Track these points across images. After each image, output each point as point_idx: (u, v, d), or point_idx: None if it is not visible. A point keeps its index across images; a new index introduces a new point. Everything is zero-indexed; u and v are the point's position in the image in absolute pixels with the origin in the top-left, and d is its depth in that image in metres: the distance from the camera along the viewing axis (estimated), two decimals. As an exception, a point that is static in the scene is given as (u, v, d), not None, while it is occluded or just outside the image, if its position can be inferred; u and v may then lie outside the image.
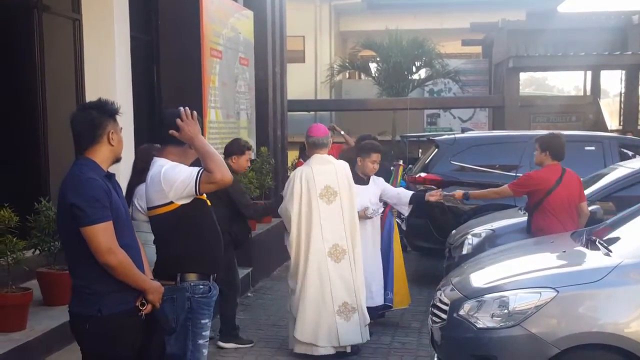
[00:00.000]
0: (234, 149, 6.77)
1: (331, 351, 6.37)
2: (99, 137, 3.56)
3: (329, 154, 6.60)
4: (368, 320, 6.49)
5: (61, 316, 5.41)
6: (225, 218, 6.25)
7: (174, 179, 3.92)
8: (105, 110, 3.60)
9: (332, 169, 6.36)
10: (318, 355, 6.36)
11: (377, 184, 7.19)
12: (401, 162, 7.69)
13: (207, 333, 4.16)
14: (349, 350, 6.44)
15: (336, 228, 6.32)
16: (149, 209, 4.08)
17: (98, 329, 3.51)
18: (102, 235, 3.40)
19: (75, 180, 3.47)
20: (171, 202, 3.94)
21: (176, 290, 3.95)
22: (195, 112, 3.98)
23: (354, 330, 6.34)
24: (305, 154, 6.92)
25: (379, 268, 7.20)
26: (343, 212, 6.34)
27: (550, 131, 7.49)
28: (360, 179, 7.02)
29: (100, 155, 3.57)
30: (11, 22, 7.29)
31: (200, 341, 4.12)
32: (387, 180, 7.59)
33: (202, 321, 4.10)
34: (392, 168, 8.02)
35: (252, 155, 6.80)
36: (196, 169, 3.95)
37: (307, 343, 6.34)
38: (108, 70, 7.61)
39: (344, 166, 6.47)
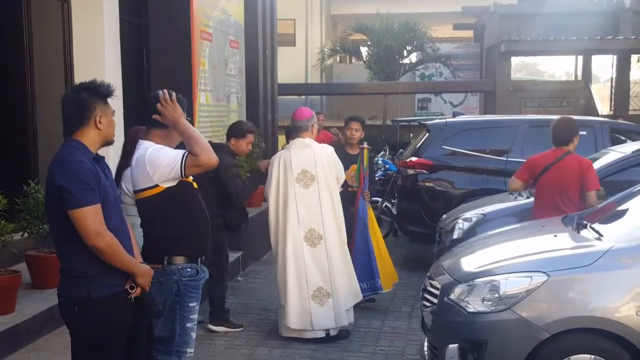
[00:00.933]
0: (234, 131, 6.73)
1: (320, 334, 6.38)
2: (87, 120, 3.52)
3: (319, 140, 6.58)
4: (345, 306, 6.45)
5: (50, 299, 5.40)
6: (219, 201, 6.23)
7: (158, 161, 3.92)
8: (96, 92, 3.56)
9: (311, 153, 6.34)
10: (307, 338, 6.38)
11: None
12: (365, 144, 7.61)
13: (195, 316, 4.16)
14: (332, 333, 6.44)
15: (312, 213, 6.31)
16: (135, 192, 4.08)
17: (87, 312, 3.49)
18: (90, 218, 3.38)
19: (63, 163, 3.44)
20: (157, 185, 3.95)
21: (163, 273, 3.95)
22: (174, 94, 3.94)
23: (327, 315, 6.35)
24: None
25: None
26: (320, 197, 6.31)
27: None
28: None
29: (89, 137, 3.54)
30: (-1, 4, 7.22)
31: (189, 324, 4.11)
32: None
33: (190, 304, 4.10)
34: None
35: (252, 139, 6.76)
36: (181, 151, 3.94)
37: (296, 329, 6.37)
38: (97, 53, 7.55)
39: (325, 151, 6.43)
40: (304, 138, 6.40)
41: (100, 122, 3.54)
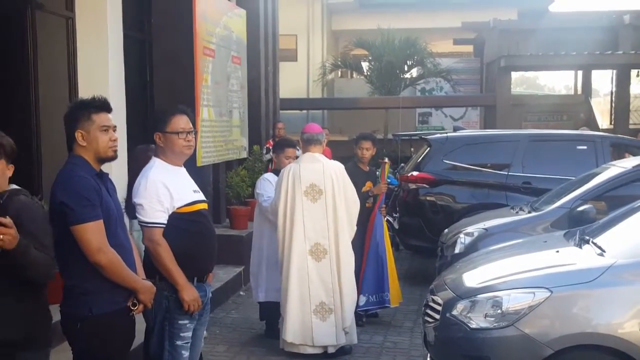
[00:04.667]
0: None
1: (319, 350, 6.34)
2: (72, 137, 3.51)
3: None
4: (347, 322, 6.40)
5: (53, 315, 5.34)
6: None
7: (137, 201, 4.05)
8: (79, 107, 3.53)
9: (320, 167, 6.33)
10: (307, 354, 6.33)
11: None
12: (386, 159, 7.64)
13: (186, 334, 4.13)
14: (330, 350, 6.38)
15: (319, 227, 6.28)
16: None
17: (89, 328, 3.47)
18: (92, 234, 3.36)
19: (65, 179, 3.43)
20: None
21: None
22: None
23: (328, 332, 6.30)
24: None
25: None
26: (327, 211, 6.29)
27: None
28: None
29: (85, 154, 3.52)
30: (4, 21, 7.21)
31: (178, 342, 4.08)
32: (375, 181, 7.57)
33: (180, 322, 4.08)
34: (377, 171, 7.96)
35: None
36: (155, 215, 4.03)
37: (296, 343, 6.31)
38: (101, 68, 7.54)
39: (334, 166, 6.43)
40: (314, 153, 6.40)
41: (82, 139, 3.51)
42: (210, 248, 4.31)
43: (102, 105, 3.57)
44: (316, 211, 6.28)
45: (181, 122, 4.15)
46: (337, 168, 6.44)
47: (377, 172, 7.80)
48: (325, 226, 6.29)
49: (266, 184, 6.85)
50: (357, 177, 6.93)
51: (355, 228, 6.51)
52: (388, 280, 7.41)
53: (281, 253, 6.39)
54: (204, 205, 4.27)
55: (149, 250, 4.04)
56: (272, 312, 6.80)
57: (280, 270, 6.42)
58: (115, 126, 3.62)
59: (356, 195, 6.53)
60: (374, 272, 7.36)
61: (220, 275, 8.50)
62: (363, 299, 7.28)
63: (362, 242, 7.20)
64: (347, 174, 6.51)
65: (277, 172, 6.79)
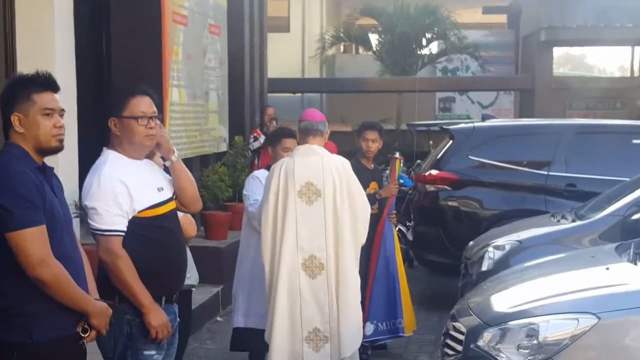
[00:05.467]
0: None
1: None
2: (9, 121, 3.50)
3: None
4: (346, 354, 6.39)
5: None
6: None
7: (89, 204, 4.08)
8: (16, 85, 3.52)
9: (318, 162, 6.23)
10: None
11: None
12: (397, 154, 7.63)
13: None
14: None
15: (315, 235, 6.21)
16: None
17: (28, 359, 3.46)
18: (33, 242, 3.35)
19: (1, 174, 3.42)
20: None
21: (113, 312, 3.91)
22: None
23: None
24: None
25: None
26: (326, 216, 6.21)
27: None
28: None
29: (24, 142, 3.51)
30: None
31: None
32: (380, 181, 7.57)
33: (146, 352, 4.09)
34: (386, 169, 7.96)
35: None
36: (112, 221, 4.04)
37: None
38: (45, 38, 7.53)
39: (337, 161, 6.35)
40: (312, 144, 6.32)
41: (18, 124, 3.49)
42: (179, 260, 4.31)
43: (46, 83, 3.56)
44: (312, 216, 6.22)
45: (142, 104, 4.15)
46: (341, 163, 6.34)
47: (386, 171, 7.80)
48: (323, 235, 6.23)
49: (255, 184, 6.81)
50: (360, 176, 6.85)
51: (364, 239, 6.44)
52: (401, 303, 7.42)
53: (268, 267, 6.36)
54: (172, 205, 4.28)
55: (106, 264, 4.04)
56: (252, 342, 6.79)
57: (267, 289, 6.40)
58: (62, 109, 3.60)
59: (365, 198, 6.46)
60: (384, 294, 7.36)
61: (194, 297, 8.49)
62: (370, 328, 7.29)
63: (367, 257, 7.19)
64: None
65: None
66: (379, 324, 7.35)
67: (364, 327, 6.95)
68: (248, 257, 6.88)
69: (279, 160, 6.71)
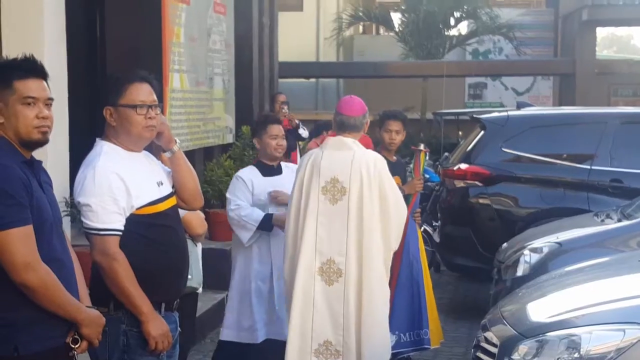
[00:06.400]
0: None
1: None
2: None
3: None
4: None
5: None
6: None
7: (82, 200, 4.07)
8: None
9: (349, 157, 6.20)
10: None
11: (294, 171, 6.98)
12: (422, 146, 7.60)
13: None
14: None
15: (335, 238, 6.19)
16: None
17: (14, 373, 3.47)
18: (18, 244, 3.36)
19: (-16, 169, 3.43)
20: None
21: (108, 320, 3.92)
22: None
23: None
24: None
25: None
26: (349, 217, 6.20)
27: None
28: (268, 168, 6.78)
29: (8, 133, 3.52)
30: None
31: None
32: (404, 175, 7.56)
33: None
34: (410, 163, 7.95)
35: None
36: (109, 219, 4.03)
37: None
38: (34, 17, 7.56)
39: (369, 157, 6.29)
40: (346, 137, 6.28)
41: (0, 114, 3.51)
42: (182, 263, 4.32)
43: (31, 69, 3.56)
44: (335, 216, 6.21)
45: (141, 92, 4.15)
46: (374, 160, 6.27)
47: (410, 165, 7.79)
48: (344, 238, 6.21)
49: (239, 185, 6.67)
50: None
51: (396, 245, 6.40)
52: (427, 312, 7.40)
53: (286, 269, 6.36)
54: (173, 202, 4.28)
55: (101, 267, 4.05)
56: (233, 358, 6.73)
57: (285, 291, 6.40)
58: (49, 98, 3.60)
59: (402, 200, 6.39)
60: (408, 303, 7.32)
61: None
62: (393, 339, 7.26)
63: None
64: None
65: (262, 166, 6.69)
66: (402, 334, 7.33)
67: None
68: (235, 265, 6.84)
69: (268, 148, 6.66)
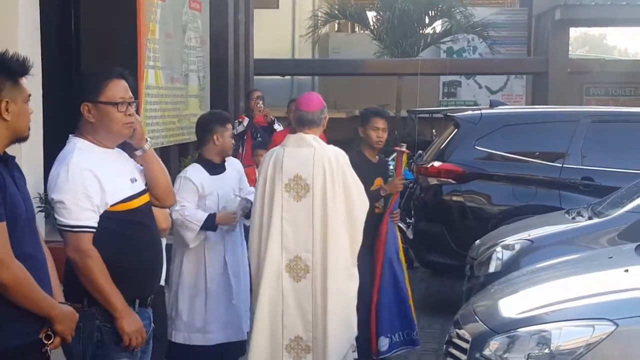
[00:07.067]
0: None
1: None
2: None
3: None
4: None
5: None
6: None
7: (56, 197, 4.05)
8: (4, 69, 3.52)
9: (309, 153, 6.21)
10: None
11: (237, 169, 6.81)
12: (405, 146, 7.57)
13: None
14: None
15: (301, 234, 6.20)
16: None
17: (-14, 370, 3.46)
18: (-9, 241, 3.35)
19: (-43, 165, 3.41)
20: None
21: (82, 316, 3.91)
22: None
23: None
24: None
25: None
26: (314, 214, 6.21)
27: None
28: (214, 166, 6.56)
29: None
30: None
31: None
32: (386, 176, 7.54)
33: None
34: (390, 160, 7.95)
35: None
36: (82, 216, 4.02)
37: None
38: (8, 13, 7.52)
39: (330, 152, 6.31)
40: (306, 134, 6.28)
41: (7, 110, 3.49)
42: (155, 260, 4.31)
43: (28, 68, 3.57)
44: (299, 213, 6.22)
45: (120, 89, 4.14)
46: (335, 155, 6.30)
47: (391, 164, 7.76)
48: (310, 234, 6.23)
49: (185, 185, 6.41)
50: (364, 171, 6.76)
51: (360, 240, 6.41)
52: (412, 312, 7.38)
53: (254, 268, 6.36)
54: (146, 198, 4.28)
55: (75, 263, 4.04)
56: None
57: (253, 289, 6.39)
58: (28, 94, 3.60)
59: (364, 194, 6.39)
60: (395, 303, 7.27)
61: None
62: (385, 342, 7.23)
63: (370, 263, 7.12)
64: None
65: (207, 164, 6.54)
66: (392, 336, 7.31)
67: (376, 342, 6.96)
68: (180, 265, 6.61)
69: (225, 152, 6.56)
